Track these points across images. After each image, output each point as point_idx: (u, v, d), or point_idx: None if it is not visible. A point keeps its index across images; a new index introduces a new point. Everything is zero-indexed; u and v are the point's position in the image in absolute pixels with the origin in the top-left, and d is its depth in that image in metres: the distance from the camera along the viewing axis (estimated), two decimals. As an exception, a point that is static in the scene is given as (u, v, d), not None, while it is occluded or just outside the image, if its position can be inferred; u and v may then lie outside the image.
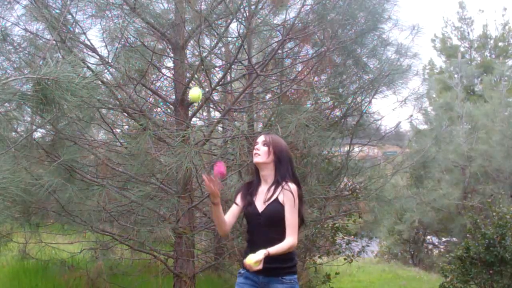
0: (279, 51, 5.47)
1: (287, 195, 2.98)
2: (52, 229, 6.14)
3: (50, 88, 2.58)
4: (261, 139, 3.15)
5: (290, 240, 2.92)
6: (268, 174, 3.09)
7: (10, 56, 4.83)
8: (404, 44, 6.09)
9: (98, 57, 4.85)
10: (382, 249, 15.53)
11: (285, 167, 3.08)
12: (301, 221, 3.09)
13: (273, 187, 3.05)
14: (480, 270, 6.14)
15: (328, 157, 6.47)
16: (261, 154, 3.08)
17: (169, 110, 5.90)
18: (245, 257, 2.95)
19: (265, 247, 2.88)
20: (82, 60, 4.31)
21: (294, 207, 2.95)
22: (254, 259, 2.81)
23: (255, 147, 3.13)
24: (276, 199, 3.01)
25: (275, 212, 2.98)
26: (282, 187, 3.02)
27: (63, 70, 2.62)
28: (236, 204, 3.14)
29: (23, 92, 2.65)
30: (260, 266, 2.79)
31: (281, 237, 2.95)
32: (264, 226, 3.00)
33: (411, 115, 6.88)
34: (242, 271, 3.05)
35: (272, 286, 2.98)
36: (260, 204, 3.05)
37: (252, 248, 2.95)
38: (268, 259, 2.86)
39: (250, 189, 3.14)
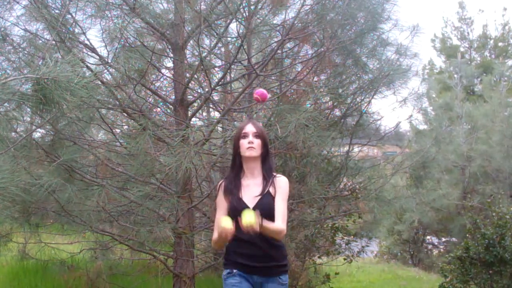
0: (279, 51, 5.47)
1: (281, 185, 2.90)
2: (52, 229, 6.13)
3: (49, 88, 2.58)
4: (251, 129, 2.97)
5: (281, 225, 2.78)
6: (255, 166, 2.95)
7: (9, 56, 4.83)
8: (404, 44, 6.09)
9: (97, 57, 4.85)
10: (381, 249, 15.52)
11: (270, 159, 3.00)
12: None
13: (264, 181, 2.92)
14: (480, 270, 6.14)
15: (327, 157, 6.46)
16: (256, 147, 2.92)
17: (168, 110, 5.90)
18: (229, 259, 2.87)
19: (258, 245, 2.78)
20: (82, 60, 4.31)
21: (286, 198, 2.88)
22: (253, 219, 2.58)
23: (248, 139, 2.93)
24: (268, 192, 2.89)
25: (267, 206, 2.84)
26: (273, 179, 2.92)
27: (63, 70, 2.62)
28: (226, 201, 2.94)
29: (22, 92, 2.65)
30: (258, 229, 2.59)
31: None
32: None
33: (411, 115, 6.88)
34: (234, 270, 2.87)
35: (267, 286, 2.86)
36: (249, 198, 2.89)
37: (241, 246, 2.83)
38: (264, 257, 2.79)
39: (232, 184, 2.94)
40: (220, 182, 3.02)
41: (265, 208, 2.81)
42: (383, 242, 15.30)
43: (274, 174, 2.95)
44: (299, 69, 6.06)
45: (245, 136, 2.94)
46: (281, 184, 2.89)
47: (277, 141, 4.88)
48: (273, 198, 2.86)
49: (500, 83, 14.08)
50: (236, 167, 2.97)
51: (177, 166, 4.21)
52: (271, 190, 2.88)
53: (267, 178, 2.92)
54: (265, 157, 2.95)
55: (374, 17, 5.71)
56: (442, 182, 12.52)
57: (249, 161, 2.93)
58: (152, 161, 4.81)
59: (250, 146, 2.90)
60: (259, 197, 2.87)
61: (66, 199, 4.57)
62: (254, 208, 2.79)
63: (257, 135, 2.93)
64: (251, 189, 2.92)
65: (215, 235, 2.83)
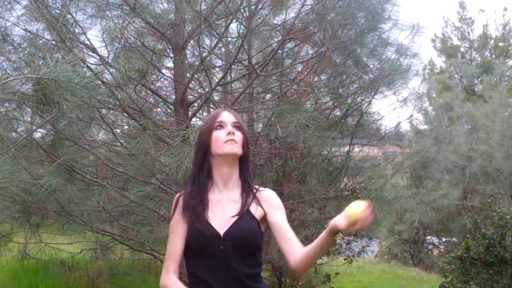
0: (279, 51, 5.47)
1: (275, 200, 2.05)
2: (52, 229, 6.14)
3: (50, 88, 2.58)
4: (228, 117, 2.04)
5: None
6: (229, 172, 2.01)
7: (10, 56, 4.84)
8: (404, 44, 6.09)
9: (98, 57, 4.85)
10: (382, 249, 15.52)
11: (249, 162, 2.07)
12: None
13: (243, 195, 2.01)
14: (480, 270, 6.14)
15: (328, 157, 6.47)
16: (238, 141, 2.00)
17: (169, 110, 5.90)
18: None
19: (233, 271, 1.89)
20: (82, 60, 4.31)
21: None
22: (360, 209, 1.80)
23: (228, 130, 2.00)
24: (248, 211, 1.97)
25: (248, 230, 1.94)
26: (254, 193, 2.03)
27: (63, 70, 2.62)
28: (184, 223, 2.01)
29: (23, 92, 2.66)
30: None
31: (259, 271, 1.99)
32: (230, 254, 1.91)
33: (411, 115, 6.89)
34: None
35: None
36: (221, 220, 1.94)
37: (209, 273, 1.91)
38: (245, 280, 1.92)
39: (196, 199, 1.97)
40: (177, 196, 2.07)
41: (245, 234, 1.92)
42: (384, 242, 15.30)
43: (256, 186, 2.07)
44: (299, 69, 6.06)
45: (221, 126, 2.01)
46: (274, 199, 2.05)
47: (278, 141, 4.88)
48: (256, 220, 1.97)
49: (501, 83, 14.08)
50: (202, 175, 2.00)
51: (178, 166, 4.21)
52: (252, 209, 1.98)
53: (248, 191, 2.02)
54: (245, 160, 2.04)
55: (374, 17, 5.71)
56: (442, 182, 12.53)
57: (224, 164, 2.00)
58: (152, 161, 4.81)
59: (231, 139, 1.97)
60: (236, 217, 1.95)
61: (66, 199, 4.58)
62: (227, 235, 1.92)
63: (238, 127, 2.03)
64: (224, 207, 1.98)
65: (164, 282, 2.04)
